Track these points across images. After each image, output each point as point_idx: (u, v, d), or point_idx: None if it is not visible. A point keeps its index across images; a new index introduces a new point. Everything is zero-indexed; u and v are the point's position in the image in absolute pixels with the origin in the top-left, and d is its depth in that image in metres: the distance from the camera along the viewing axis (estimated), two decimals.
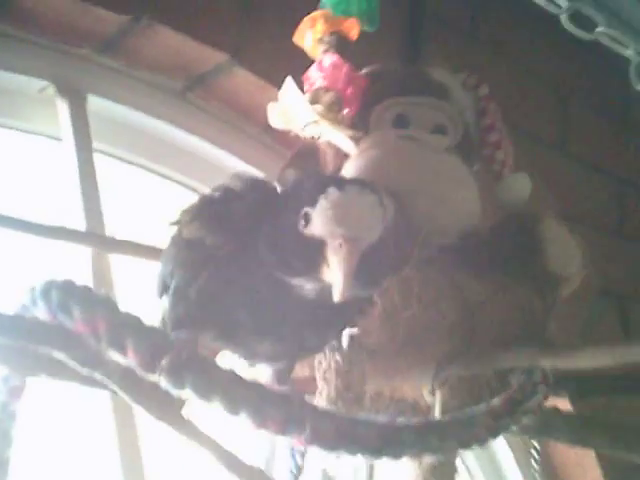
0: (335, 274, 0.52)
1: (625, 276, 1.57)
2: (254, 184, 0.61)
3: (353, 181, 0.56)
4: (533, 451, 0.99)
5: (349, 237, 0.52)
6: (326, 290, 0.53)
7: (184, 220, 0.61)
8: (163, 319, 0.60)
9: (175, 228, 0.62)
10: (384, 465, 0.82)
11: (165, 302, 0.60)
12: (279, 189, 0.60)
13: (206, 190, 1.18)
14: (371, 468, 1.09)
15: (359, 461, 0.59)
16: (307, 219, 0.54)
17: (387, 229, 0.54)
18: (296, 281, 0.56)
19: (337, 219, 0.52)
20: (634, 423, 0.83)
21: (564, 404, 0.85)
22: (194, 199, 0.64)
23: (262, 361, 0.62)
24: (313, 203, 0.54)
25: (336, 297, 0.52)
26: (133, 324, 0.54)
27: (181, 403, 0.62)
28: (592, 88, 1.61)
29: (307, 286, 0.56)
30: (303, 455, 0.82)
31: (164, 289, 0.61)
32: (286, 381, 0.61)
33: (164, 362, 0.53)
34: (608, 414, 1.05)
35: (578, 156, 1.58)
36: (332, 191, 0.53)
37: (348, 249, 0.52)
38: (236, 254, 0.57)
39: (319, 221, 0.53)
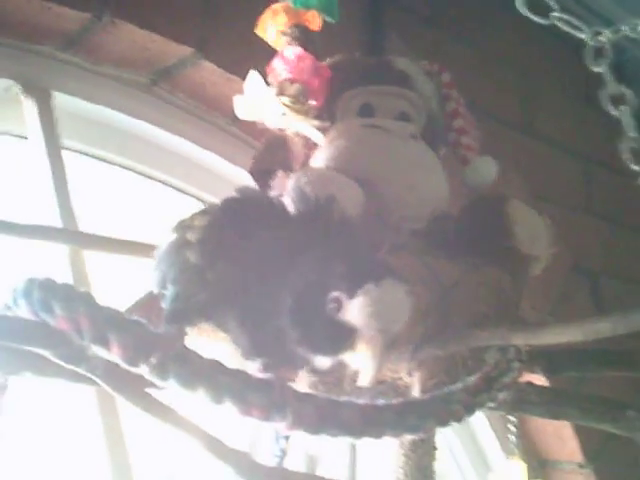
0: (366, 362, 0.57)
1: (595, 252, 1.60)
2: (260, 201, 0.64)
3: (386, 271, 0.59)
4: (510, 425, 1.02)
5: (383, 330, 0.57)
6: None
7: (188, 238, 0.63)
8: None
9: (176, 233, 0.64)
10: (365, 445, 0.83)
11: (162, 296, 0.63)
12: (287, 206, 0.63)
13: (180, 184, 1.21)
14: (353, 448, 1.11)
15: (341, 442, 0.61)
16: (339, 305, 0.57)
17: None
18: (317, 359, 0.59)
19: (376, 316, 0.56)
20: (604, 395, 0.85)
21: (538, 380, 0.87)
22: (199, 208, 0.66)
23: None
24: (348, 292, 0.57)
25: (364, 382, 0.58)
26: (115, 319, 0.55)
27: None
28: (555, 67, 1.63)
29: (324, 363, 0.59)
30: (287, 439, 0.83)
31: (162, 286, 0.63)
32: (274, 370, 0.62)
33: (153, 359, 0.54)
34: (580, 387, 1.08)
35: (544, 136, 1.60)
36: (370, 288, 0.57)
37: (381, 341, 0.57)
38: (238, 277, 0.60)
39: (356, 314, 0.57)
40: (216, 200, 0.68)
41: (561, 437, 1.39)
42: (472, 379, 0.70)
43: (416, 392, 0.76)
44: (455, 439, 1.41)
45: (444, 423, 0.64)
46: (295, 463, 0.96)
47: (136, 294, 0.82)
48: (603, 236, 1.62)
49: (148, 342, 0.54)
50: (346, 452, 1.12)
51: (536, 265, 0.84)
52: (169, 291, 0.63)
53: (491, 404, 0.70)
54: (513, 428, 1.03)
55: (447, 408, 0.64)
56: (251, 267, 0.60)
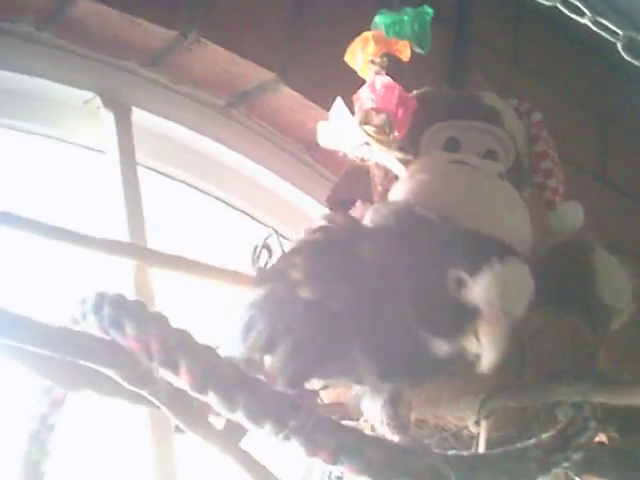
0: (490, 345, 0.55)
1: None
2: (350, 222, 0.62)
3: (508, 250, 0.57)
4: None
5: (507, 311, 0.54)
6: None
7: (296, 279, 0.60)
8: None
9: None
10: None
11: (274, 356, 0.59)
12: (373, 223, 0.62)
13: (250, 209, 1.20)
14: None
15: None
16: (462, 284, 0.55)
17: None
18: (435, 342, 0.56)
19: (502, 294, 0.54)
20: None
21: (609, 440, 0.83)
22: (290, 246, 0.64)
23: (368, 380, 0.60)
24: (472, 269, 0.55)
25: (485, 368, 0.55)
26: (187, 343, 0.53)
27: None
28: (633, 115, 1.59)
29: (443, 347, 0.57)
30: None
31: (268, 346, 0.59)
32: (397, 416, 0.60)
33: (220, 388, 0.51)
34: None
35: (617, 183, 1.56)
36: (496, 264, 0.55)
37: (505, 323, 0.54)
38: (355, 300, 0.57)
39: (481, 292, 0.54)
40: (291, 230, 0.65)
41: None
42: (547, 436, 0.67)
43: (481, 443, 0.73)
44: None
45: None
46: None
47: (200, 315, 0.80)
48: None
49: (215, 367, 0.51)
50: None
51: (617, 318, 0.81)
52: (282, 347, 0.59)
53: (566, 464, 0.66)
54: None
55: (521, 465, 0.61)
56: (364, 285, 0.57)
